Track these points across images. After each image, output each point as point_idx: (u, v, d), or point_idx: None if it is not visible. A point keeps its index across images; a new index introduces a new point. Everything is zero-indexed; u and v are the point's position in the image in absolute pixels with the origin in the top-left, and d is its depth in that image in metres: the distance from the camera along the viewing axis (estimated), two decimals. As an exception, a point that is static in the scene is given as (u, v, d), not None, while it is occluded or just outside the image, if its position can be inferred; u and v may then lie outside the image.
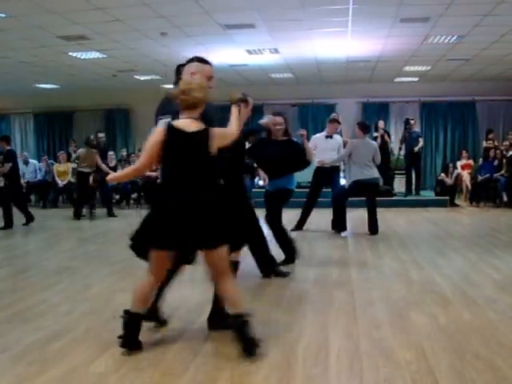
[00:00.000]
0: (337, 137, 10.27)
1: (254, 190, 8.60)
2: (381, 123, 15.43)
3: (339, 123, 10.61)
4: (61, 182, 15.44)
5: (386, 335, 4.27)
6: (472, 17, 9.98)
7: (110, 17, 9.68)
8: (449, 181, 14.62)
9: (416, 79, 17.28)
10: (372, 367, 3.62)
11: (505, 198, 13.80)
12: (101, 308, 5.19)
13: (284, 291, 5.70)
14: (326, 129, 10.36)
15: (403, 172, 14.88)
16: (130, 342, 3.90)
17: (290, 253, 7.00)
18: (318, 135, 10.54)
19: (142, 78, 16.86)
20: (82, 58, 13.33)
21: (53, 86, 17.82)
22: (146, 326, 4.57)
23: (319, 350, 3.93)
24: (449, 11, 9.54)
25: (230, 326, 3.89)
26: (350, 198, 9.74)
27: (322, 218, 11.58)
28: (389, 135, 15.87)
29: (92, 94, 18.81)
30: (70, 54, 12.83)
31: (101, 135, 12.96)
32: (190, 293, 5.68)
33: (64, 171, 15.59)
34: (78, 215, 12.25)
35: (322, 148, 9.95)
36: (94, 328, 4.57)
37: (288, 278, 6.26)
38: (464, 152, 15.98)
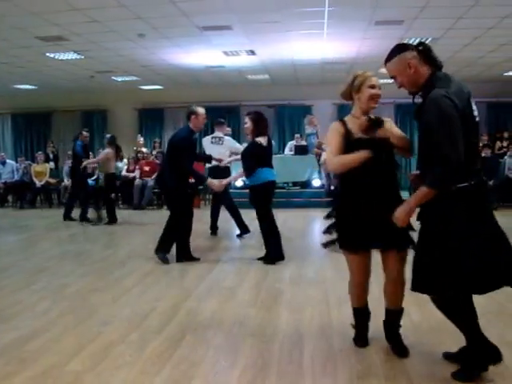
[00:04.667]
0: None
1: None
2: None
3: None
4: (38, 183, 15.35)
5: (360, 333, 4.34)
6: (445, 19, 10.12)
7: (88, 18, 9.64)
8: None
9: (391, 81, 17.26)
10: (346, 365, 3.67)
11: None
12: (78, 307, 5.20)
13: (259, 290, 5.74)
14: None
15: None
16: (359, 338, 4.11)
17: (273, 253, 7.18)
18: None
19: (120, 79, 16.83)
20: (60, 58, 13.26)
21: (31, 87, 17.70)
22: (122, 322, 4.62)
23: (294, 348, 3.98)
24: (423, 14, 9.67)
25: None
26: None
27: (296, 218, 11.69)
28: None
29: (70, 95, 18.77)
30: (48, 54, 12.76)
31: (85, 134, 12.81)
32: (165, 293, 5.72)
33: (41, 171, 15.52)
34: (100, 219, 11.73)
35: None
36: (71, 327, 4.57)
37: (263, 278, 6.30)
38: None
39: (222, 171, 9.07)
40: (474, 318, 3.27)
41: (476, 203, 3.11)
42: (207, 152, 9.24)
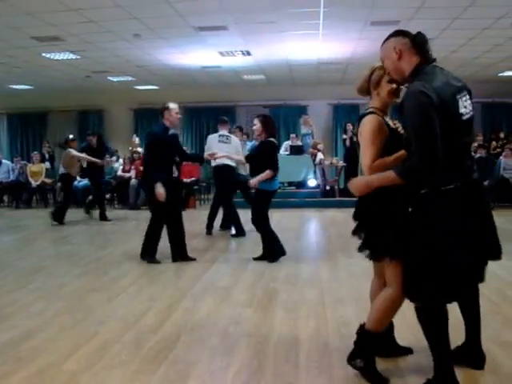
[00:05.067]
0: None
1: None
2: (349, 126, 15.62)
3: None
4: (34, 183, 15.33)
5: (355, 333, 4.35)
6: (441, 20, 10.15)
7: (84, 18, 9.65)
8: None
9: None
10: (341, 364, 3.66)
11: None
12: (74, 307, 5.20)
13: (255, 290, 5.76)
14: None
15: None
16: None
17: (270, 252, 7.28)
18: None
19: (116, 80, 16.84)
20: (56, 59, 13.27)
21: (27, 87, 17.71)
22: (117, 322, 4.63)
23: (289, 348, 3.99)
24: (418, 14, 9.70)
25: None
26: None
27: (292, 218, 11.72)
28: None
29: (66, 95, 18.77)
30: (44, 54, 12.77)
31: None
32: (161, 292, 5.73)
33: (37, 172, 15.51)
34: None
35: None
36: (67, 327, 4.58)
37: (259, 278, 6.32)
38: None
39: (226, 170, 9.14)
40: (448, 342, 3.18)
41: (463, 203, 3.03)
42: (213, 150, 9.04)
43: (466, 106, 3.06)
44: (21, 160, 16.75)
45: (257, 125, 7.20)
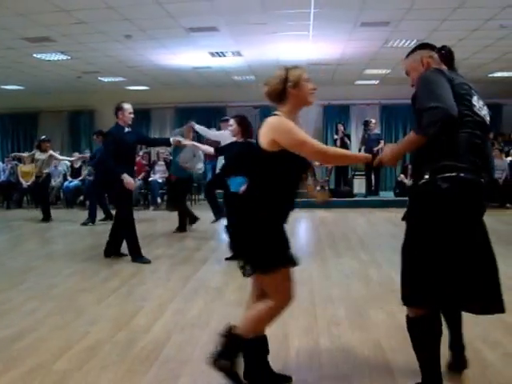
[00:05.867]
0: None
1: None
2: (340, 127, 15.67)
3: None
4: (25, 183, 15.28)
5: (345, 332, 4.38)
6: (431, 21, 10.19)
7: (75, 19, 9.62)
8: (408, 182, 14.83)
9: (376, 82, 17.54)
10: (331, 364, 3.71)
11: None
12: (65, 307, 5.22)
13: (246, 290, 5.76)
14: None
15: (363, 173, 15.08)
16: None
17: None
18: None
19: (106, 80, 16.81)
20: (47, 59, 13.21)
21: (17, 88, 17.62)
22: (109, 322, 4.64)
23: (280, 347, 4.01)
24: (408, 16, 9.74)
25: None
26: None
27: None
28: (349, 138, 16.18)
29: (56, 96, 18.71)
30: (35, 55, 12.70)
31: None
32: (152, 292, 5.75)
33: (28, 172, 15.46)
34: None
35: None
36: (58, 327, 4.59)
37: (250, 278, 6.33)
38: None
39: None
40: (438, 359, 3.13)
41: (467, 205, 2.94)
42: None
43: (480, 106, 3.09)
44: (12, 160, 16.71)
45: (233, 125, 7.24)
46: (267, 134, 3.15)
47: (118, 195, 7.27)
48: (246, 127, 7.17)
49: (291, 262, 3.26)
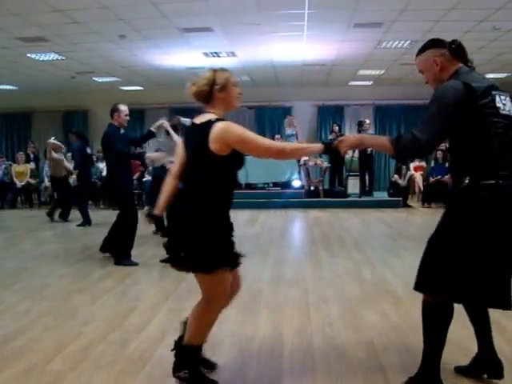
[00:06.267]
0: None
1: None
2: (335, 127, 15.69)
3: None
4: (19, 183, 15.28)
5: (339, 332, 4.39)
6: (424, 22, 10.22)
7: (69, 19, 9.61)
8: (402, 182, 14.88)
9: (370, 83, 17.59)
10: (324, 364, 3.72)
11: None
12: (59, 307, 5.21)
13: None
14: None
15: (357, 174, 15.12)
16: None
17: None
18: None
19: (101, 80, 16.79)
20: (41, 59, 13.20)
21: (11, 87, 17.58)
22: (102, 322, 4.64)
23: (273, 348, 4.02)
24: (401, 17, 9.77)
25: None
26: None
27: (276, 218, 11.76)
28: (343, 138, 16.17)
29: (50, 96, 18.69)
30: (29, 55, 12.69)
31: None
32: (145, 293, 5.75)
33: (22, 172, 15.46)
34: None
35: None
36: (51, 327, 4.59)
37: (243, 278, 6.31)
38: (417, 154, 16.24)
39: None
40: (444, 341, 3.21)
41: (506, 213, 2.97)
42: None
43: (504, 104, 3.05)
44: (5, 160, 16.68)
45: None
46: (220, 138, 3.16)
47: (121, 195, 7.24)
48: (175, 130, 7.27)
49: (231, 262, 3.34)
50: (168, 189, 3.46)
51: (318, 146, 3.41)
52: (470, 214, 3.00)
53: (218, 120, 3.22)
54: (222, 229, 3.27)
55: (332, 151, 3.38)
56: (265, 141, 3.29)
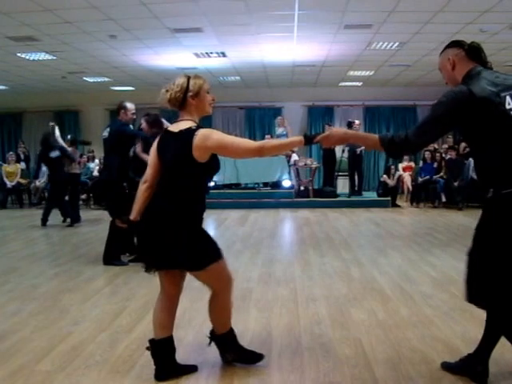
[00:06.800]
0: None
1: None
2: (327, 128, 15.74)
3: None
4: (9, 183, 15.26)
5: (327, 331, 4.43)
6: (413, 24, 10.30)
7: (60, 19, 9.61)
8: (391, 182, 14.94)
9: (360, 84, 17.65)
10: (312, 362, 3.75)
11: (443, 199, 14.21)
12: (48, 308, 5.22)
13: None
14: None
15: (346, 174, 15.18)
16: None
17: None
18: None
19: (92, 80, 16.78)
20: (31, 59, 13.16)
21: (1, 87, 17.53)
22: (92, 322, 4.66)
23: (262, 346, 4.05)
24: (390, 18, 9.84)
25: None
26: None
27: (266, 218, 11.79)
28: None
29: (41, 96, 18.66)
30: (19, 55, 12.66)
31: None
32: (135, 292, 5.77)
33: (12, 172, 15.43)
34: None
35: None
36: (41, 327, 4.60)
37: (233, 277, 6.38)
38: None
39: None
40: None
41: None
42: None
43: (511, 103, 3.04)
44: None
45: (143, 124, 7.40)
46: (203, 145, 3.26)
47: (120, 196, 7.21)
48: (155, 126, 7.06)
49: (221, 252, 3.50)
50: (143, 197, 3.53)
51: (298, 139, 3.50)
52: (500, 225, 3.03)
53: (198, 127, 3.33)
54: (202, 228, 3.45)
55: (311, 142, 3.48)
56: (243, 142, 3.42)
